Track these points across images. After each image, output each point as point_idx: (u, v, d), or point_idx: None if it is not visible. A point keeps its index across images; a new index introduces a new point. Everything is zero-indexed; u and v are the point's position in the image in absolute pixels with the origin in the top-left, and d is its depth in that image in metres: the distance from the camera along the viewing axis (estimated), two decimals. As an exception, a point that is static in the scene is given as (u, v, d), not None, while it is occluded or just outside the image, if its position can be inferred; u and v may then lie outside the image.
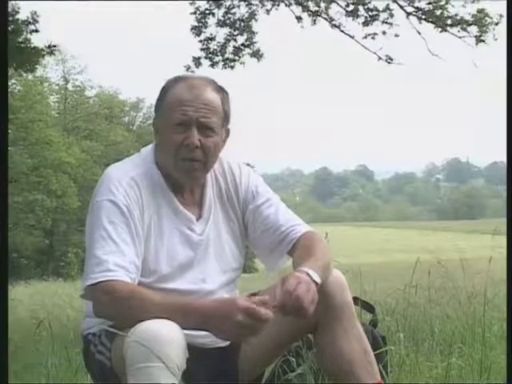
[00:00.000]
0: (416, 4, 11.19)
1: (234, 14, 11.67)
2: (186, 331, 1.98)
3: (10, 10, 9.29)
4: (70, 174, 35.05)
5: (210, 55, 11.70)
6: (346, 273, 2.43)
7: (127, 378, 1.95)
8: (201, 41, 11.70)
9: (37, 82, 35.82)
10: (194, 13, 11.69)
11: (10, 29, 9.06)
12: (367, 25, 11.31)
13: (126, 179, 2.22)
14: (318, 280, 2.09)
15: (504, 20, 10.54)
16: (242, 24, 11.62)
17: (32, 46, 9.72)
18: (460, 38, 11.09)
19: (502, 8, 10.80)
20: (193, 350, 2.01)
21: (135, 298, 2.03)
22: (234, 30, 11.65)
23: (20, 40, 9.56)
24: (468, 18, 11.01)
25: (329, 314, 2.21)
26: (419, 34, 11.17)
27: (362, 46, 11.30)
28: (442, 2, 11.09)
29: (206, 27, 11.69)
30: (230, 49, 11.77)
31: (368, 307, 2.91)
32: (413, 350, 3.17)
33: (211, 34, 11.73)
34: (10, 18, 9.29)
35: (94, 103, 42.37)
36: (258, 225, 2.35)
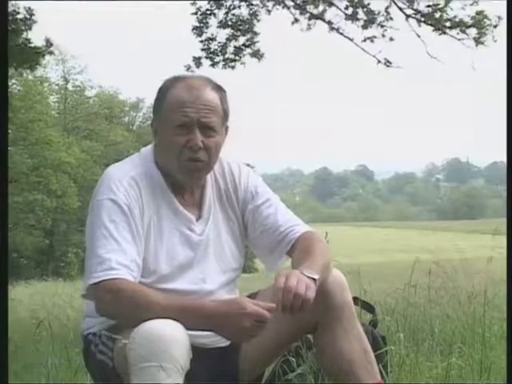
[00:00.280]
0: (415, 6, 11.21)
1: (235, 14, 11.68)
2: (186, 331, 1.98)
3: (10, 9, 9.30)
4: (70, 174, 35.05)
5: (210, 55, 11.71)
6: (348, 274, 2.43)
7: (130, 377, 1.94)
8: (202, 41, 11.71)
9: (37, 81, 35.85)
10: (195, 13, 11.70)
11: (10, 28, 9.07)
12: (366, 28, 11.33)
13: (126, 179, 2.22)
14: (317, 279, 2.09)
15: (503, 22, 10.56)
16: (243, 24, 11.62)
17: (32, 45, 9.73)
18: (459, 40, 11.13)
19: (501, 10, 10.84)
20: (193, 349, 2.01)
21: (138, 296, 2.03)
22: (236, 31, 11.66)
23: (20, 40, 9.57)
24: (467, 20, 11.05)
25: (329, 314, 2.21)
26: (418, 36, 11.22)
27: (362, 49, 11.32)
28: (441, 5, 11.11)
29: (207, 27, 11.70)
30: (230, 49, 11.79)
31: (368, 307, 2.90)
32: (413, 349, 3.16)
33: (212, 35, 11.75)
34: (10, 18, 9.30)
35: (94, 103, 42.37)
36: (257, 225, 2.35)
